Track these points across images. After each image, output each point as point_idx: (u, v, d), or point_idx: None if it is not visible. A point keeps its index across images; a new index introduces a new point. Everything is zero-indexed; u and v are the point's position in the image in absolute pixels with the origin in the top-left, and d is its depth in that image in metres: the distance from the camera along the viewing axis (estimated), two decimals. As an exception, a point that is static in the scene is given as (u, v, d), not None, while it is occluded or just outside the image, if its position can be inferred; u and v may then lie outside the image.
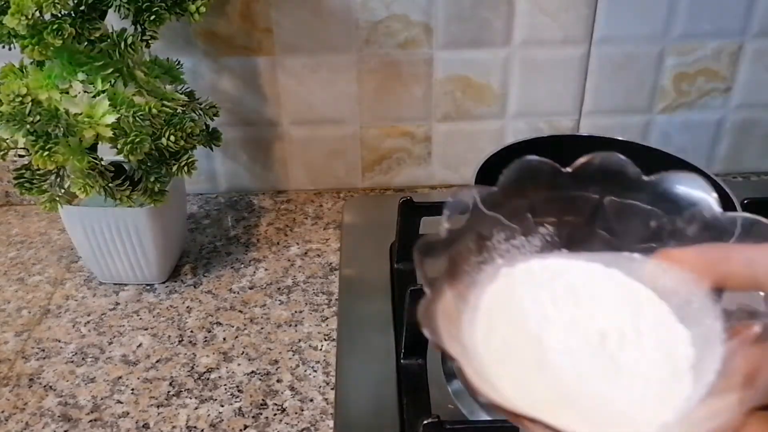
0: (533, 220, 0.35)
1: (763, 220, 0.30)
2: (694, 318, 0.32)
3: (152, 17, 0.58)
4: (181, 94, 0.64)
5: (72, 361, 0.60)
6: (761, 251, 0.29)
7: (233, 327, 0.63)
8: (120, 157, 0.59)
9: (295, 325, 0.63)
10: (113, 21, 0.59)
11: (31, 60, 0.57)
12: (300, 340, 0.62)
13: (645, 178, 0.34)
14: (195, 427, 0.54)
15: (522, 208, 0.35)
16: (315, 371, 0.59)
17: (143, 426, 0.55)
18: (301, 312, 0.65)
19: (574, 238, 0.35)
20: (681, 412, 0.29)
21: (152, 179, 0.61)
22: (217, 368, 0.59)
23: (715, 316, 0.31)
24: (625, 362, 0.31)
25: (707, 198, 0.32)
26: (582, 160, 0.34)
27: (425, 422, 0.49)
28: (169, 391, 0.57)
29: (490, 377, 0.29)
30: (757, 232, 0.30)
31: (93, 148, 0.59)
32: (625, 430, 0.26)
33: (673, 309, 0.32)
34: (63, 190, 0.60)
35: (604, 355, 0.31)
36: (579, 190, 0.34)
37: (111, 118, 0.55)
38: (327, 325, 0.63)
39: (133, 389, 0.58)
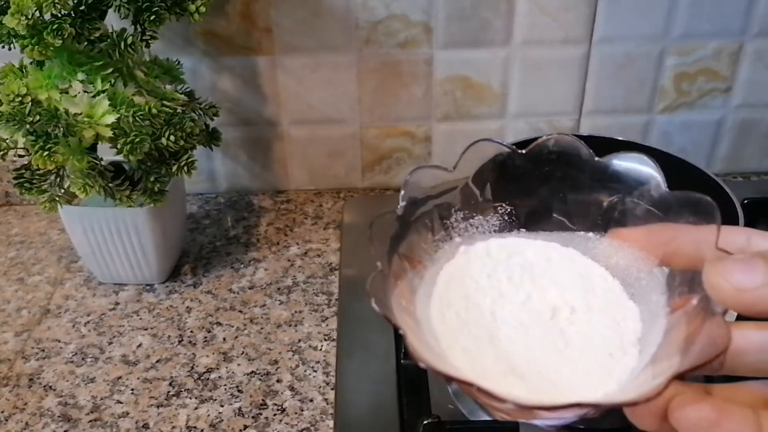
0: (491, 201, 0.37)
1: (706, 197, 0.31)
2: (643, 294, 0.33)
3: (152, 17, 0.58)
4: (181, 94, 0.64)
5: (72, 361, 0.60)
6: (707, 232, 0.30)
7: (233, 327, 0.63)
8: (120, 157, 0.59)
9: (295, 325, 0.63)
10: (113, 21, 0.59)
11: (31, 60, 0.56)
12: (300, 340, 0.62)
13: (597, 159, 0.35)
14: (195, 427, 0.54)
15: (480, 188, 0.36)
16: (315, 371, 0.59)
17: (143, 426, 0.55)
18: (301, 312, 0.65)
19: (532, 218, 0.37)
20: (625, 383, 0.30)
21: (152, 179, 0.61)
22: (217, 368, 0.59)
23: (660, 292, 0.32)
24: (573, 336, 0.32)
25: (655, 177, 0.34)
26: (537, 142, 0.35)
27: (425, 422, 0.49)
28: (168, 391, 0.57)
29: (442, 349, 0.31)
30: (702, 210, 0.31)
31: (93, 148, 0.59)
32: (569, 399, 0.27)
33: (624, 285, 0.34)
34: (63, 190, 0.60)
35: (554, 330, 0.33)
36: (535, 171, 0.36)
37: (111, 118, 0.55)
38: (327, 325, 0.63)
39: (132, 389, 0.58)
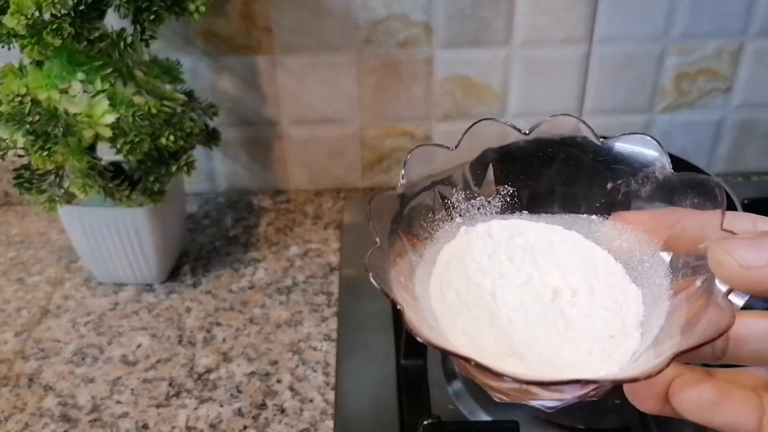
0: (494, 182, 0.36)
1: (712, 178, 0.31)
2: (646, 277, 0.33)
3: (152, 17, 0.58)
4: (181, 93, 0.64)
5: (71, 362, 0.60)
6: (712, 216, 0.30)
7: (233, 327, 0.63)
8: (119, 157, 0.59)
9: (295, 326, 0.63)
10: (113, 21, 0.59)
11: (31, 60, 0.56)
12: (300, 341, 0.62)
13: (601, 140, 0.35)
14: (194, 427, 0.54)
15: (482, 169, 0.36)
16: (315, 371, 0.59)
17: (143, 426, 0.54)
18: (300, 312, 0.65)
19: (534, 200, 0.36)
20: (626, 365, 0.30)
21: (151, 179, 0.61)
22: (217, 369, 0.59)
23: (664, 275, 0.32)
24: (574, 318, 0.32)
25: (660, 159, 0.33)
26: (540, 122, 0.35)
27: (425, 422, 0.49)
28: (168, 392, 0.57)
29: (441, 329, 0.31)
30: (708, 191, 0.31)
31: (92, 148, 0.59)
32: (569, 376, 0.27)
33: (626, 269, 0.34)
34: (62, 190, 0.60)
35: (556, 311, 0.32)
36: (538, 152, 0.35)
37: (110, 118, 0.55)
38: (327, 325, 0.63)
39: (132, 389, 0.58)
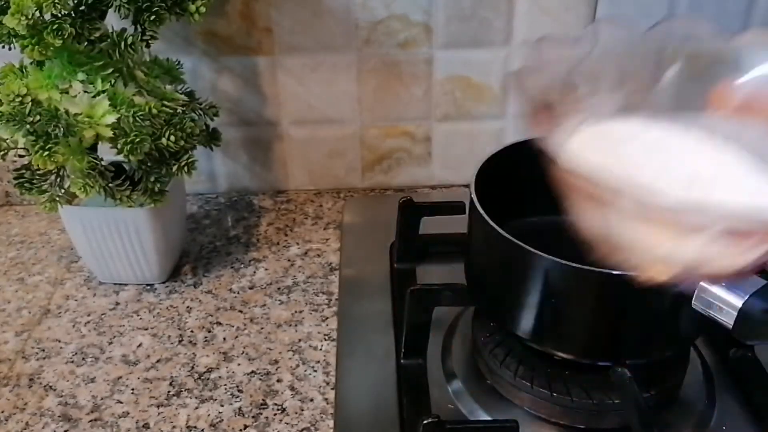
0: (614, 80, 0.35)
1: None
2: None
3: (152, 17, 0.58)
4: (181, 94, 0.64)
5: (72, 361, 0.60)
6: None
7: (233, 327, 0.63)
8: (120, 157, 0.59)
9: (295, 325, 0.63)
10: (113, 21, 0.59)
11: (31, 60, 0.56)
12: (300, 340, 0.62)
13: (725, 36, 0.34)
14: (195, 426, 0.54)
15: (603, 67, 0.35)
16: (315, 371, 0.59)
17: (143, 426, 0.55)
18: (301, 312, 0.65)
19: (656, 99, 0.35)
20: None
21: (152, 179, 0.61)
22: (217, 368, 0.59)
23: None
24: (713, 202, 0.31)
25: None
26: (659, 22, 0.34)
27: (425, 422, 0.49)
28: (169, 391, 0.57)
29: None
30: None
31: (93, 148, 0.59)
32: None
33: (758, 161, 0.32)
34: (63, 190, 0.60)
35: (692, 194, 0.31)
36: (659, 52, 0.34)
37: (111, 118, 0.55)
38: (327, 325, 0.63)
39: (133, 389, 0.58)
